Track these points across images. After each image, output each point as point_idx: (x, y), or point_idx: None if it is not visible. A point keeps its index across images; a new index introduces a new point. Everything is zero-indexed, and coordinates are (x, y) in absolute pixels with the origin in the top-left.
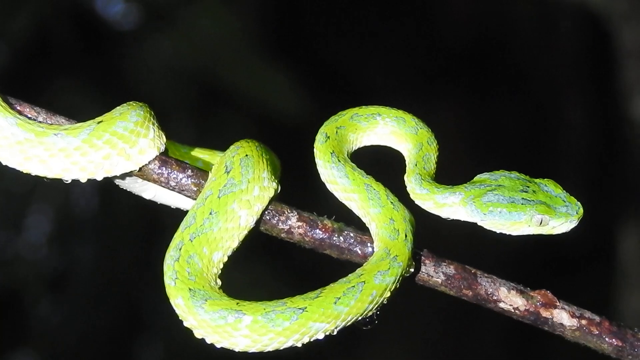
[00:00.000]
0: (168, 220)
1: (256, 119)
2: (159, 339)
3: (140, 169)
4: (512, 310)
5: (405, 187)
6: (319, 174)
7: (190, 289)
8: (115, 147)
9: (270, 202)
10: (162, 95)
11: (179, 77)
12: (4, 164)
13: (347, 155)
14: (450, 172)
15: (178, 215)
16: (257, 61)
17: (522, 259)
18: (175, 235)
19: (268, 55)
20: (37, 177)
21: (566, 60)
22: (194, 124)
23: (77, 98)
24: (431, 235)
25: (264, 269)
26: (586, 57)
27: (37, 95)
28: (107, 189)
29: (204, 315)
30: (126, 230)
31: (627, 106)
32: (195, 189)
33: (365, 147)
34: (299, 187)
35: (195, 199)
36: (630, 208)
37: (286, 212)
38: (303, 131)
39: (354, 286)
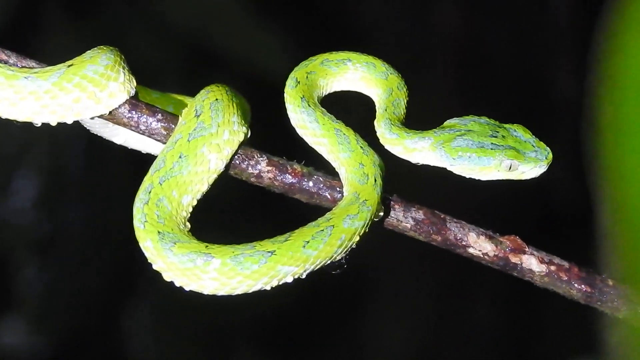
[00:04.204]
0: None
1: (248, 81)
2: (148, 303)
3: (110, 112)
4: (481, 256)
5: (375, 132)
6: (289, 119)
7: (159, 232)
8: (85, 90)
9: (240, 147)
10: (152, 56)
11: (169, 38)
12: None
13: (318, 100)
14: (422, 117)
15: (149, 160)
16: (249, 21)
17: (495, 208)
18: (144, 179)
19: (260, 14)
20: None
21: (558, 19)
22: (183, 86)
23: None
24: (401, 181)
25: (237, 219)
26: (577, 18)
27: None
28: (96, 150)
29: (173, 258)
30: (114, 193)
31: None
32: (165, 132)
33: (335, 93)
34: (270, 132)
35: (165, 143)
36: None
37: (256, 157)
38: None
39: (322, 230)
